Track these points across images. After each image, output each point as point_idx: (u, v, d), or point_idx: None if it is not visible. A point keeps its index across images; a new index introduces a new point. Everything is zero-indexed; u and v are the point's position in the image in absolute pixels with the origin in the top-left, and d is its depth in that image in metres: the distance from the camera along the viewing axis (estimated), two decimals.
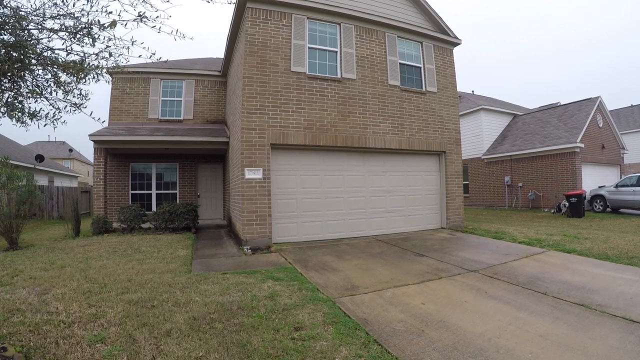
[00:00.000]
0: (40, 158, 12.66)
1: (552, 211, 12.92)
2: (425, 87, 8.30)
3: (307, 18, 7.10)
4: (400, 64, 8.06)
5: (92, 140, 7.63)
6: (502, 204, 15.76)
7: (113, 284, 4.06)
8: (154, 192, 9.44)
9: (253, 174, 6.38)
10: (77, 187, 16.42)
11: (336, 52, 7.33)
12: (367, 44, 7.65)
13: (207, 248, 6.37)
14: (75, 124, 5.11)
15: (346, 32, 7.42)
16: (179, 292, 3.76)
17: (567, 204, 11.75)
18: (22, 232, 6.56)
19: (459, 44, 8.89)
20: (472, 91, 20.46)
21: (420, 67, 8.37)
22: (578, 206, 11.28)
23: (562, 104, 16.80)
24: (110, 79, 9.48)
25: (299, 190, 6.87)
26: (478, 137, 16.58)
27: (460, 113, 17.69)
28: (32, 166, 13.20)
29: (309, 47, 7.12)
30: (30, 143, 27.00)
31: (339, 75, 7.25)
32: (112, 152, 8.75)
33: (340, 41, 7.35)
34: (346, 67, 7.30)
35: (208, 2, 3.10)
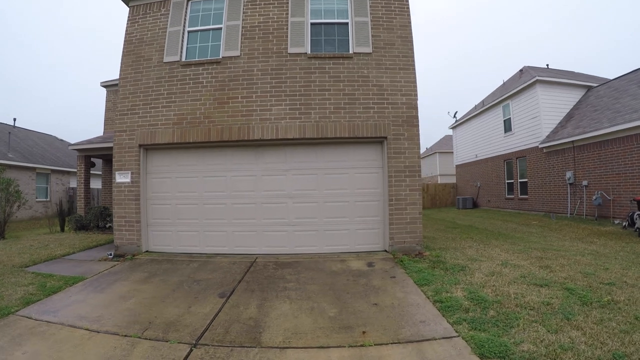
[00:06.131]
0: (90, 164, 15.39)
1: (624, 224, 7.16)
2: (353, 47, 5.45)
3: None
4: (312, 24, 5.60)
5: (74, 149, 8.76)
6: (564, 210, 9.83)
7: None
8: None
9: (123, 177, 5.64)
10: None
11: (221, 28, 5.71)
12: (262, 9, 5.65)
13: (97, 251, 6.04)
14: None
15: (233, 1, 5.68)
16: None
17: None
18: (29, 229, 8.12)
19: None
20: (547, 65, 13.20)
21: (347, 23, 5.57)
22: None
23: None
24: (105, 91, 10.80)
25: (174, 195, 5.65)
26: (535, 119, 10.54)
27: (511, 92, 11.95)
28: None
29: (189, 31, 5.82)
30: None
31: (220, 56, 5.60)
32: (105, 158, 9.83)
33: (225, 14, 5.68)
34: (228, 44, 5.57)
35: None
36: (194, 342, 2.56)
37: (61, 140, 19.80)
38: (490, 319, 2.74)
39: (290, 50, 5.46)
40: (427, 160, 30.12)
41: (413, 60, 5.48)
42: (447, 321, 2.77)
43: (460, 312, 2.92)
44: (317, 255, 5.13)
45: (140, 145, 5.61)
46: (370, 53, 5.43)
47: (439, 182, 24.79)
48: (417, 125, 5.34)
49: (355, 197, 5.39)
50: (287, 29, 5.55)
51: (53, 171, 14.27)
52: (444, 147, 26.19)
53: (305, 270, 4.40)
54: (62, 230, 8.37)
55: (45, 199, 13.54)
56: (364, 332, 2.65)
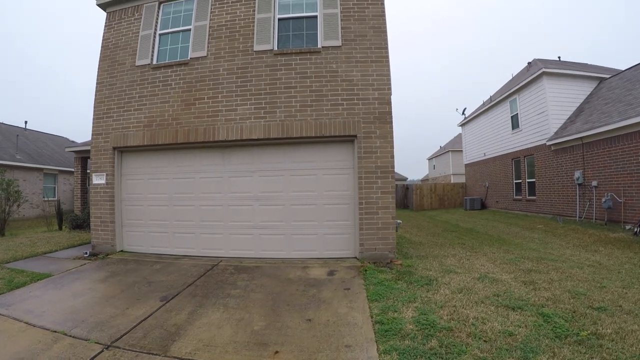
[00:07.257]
0: None
1: (635, 230, 6.25)
2: (321, 41, 5.11)
3: (160, 2, 5.78)
4: (280, 19, 5.33)
5: (70, 151, 9.10)
6: (572, 213, 8.87)
7: None
8: None
9: (99, 179, 5.69)
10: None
11: (190, 30, 5.60)
12: (229, 8, 5.47)
13: (78, 250, 6.14)
14: None
15: (201, 1, 5.55)
16: None
17: None
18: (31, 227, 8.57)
19: None
20: (559, 57, 11.92)
21: (316, 16, 5.24)
22: None
23: None
24: None
25: (146, 197, 5.61)
26: (542, 115, 9.56)
27: (517, 86, 10.95)
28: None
29: (161, 34, 5.77)
30: None
31: (188, 57, 5.48)
32: None
33: (194, 15, 5.56)
34: (196, 45, 5.44)
35: None
36: (109, 343, 2.53)
37: (72, 141, 20.79)
38: (427, 351, 2.26)
39: (257, 47, 5.22)
40: (440, 159, 28.82)
41: (387, 52, 5.04)
42: (377, 348, 2.35)
43: (397, 338, 2.48)
44: (281, 261, 4.85)
45: (114, 148, 5.63)
46: (339, 46, 5.06)
47: (452, 181, 23.59)
48: (391, 122, 4.90)
49: (324, 200, 5.04)
50: (253, 26, 5.32)
51: (60, 171, 14.93)
52: (456, 145, 24.88)
53: (260, 277, 4.14)
54: (60, 228, 8.72)
55: (52, 198, 14.14)
56: (276, 352, 2.34)
